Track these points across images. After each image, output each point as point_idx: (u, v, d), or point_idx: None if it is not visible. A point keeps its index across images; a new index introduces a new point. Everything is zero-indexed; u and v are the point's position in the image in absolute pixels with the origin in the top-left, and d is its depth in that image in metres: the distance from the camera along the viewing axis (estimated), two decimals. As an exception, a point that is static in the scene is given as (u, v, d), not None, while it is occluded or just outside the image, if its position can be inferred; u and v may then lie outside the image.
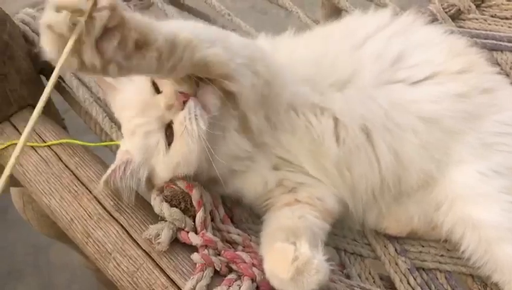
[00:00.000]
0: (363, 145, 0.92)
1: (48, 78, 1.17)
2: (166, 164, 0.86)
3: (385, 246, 1.02)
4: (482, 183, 0.92)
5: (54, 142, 1.01)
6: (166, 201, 0.88)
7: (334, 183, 0.94)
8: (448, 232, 0.96)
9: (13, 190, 1.35)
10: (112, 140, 1.04)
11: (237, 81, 0.80)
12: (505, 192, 0.92)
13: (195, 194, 0.88)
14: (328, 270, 0.76)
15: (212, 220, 0.90)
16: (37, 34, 1.12)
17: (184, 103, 0.82)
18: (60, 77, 1.11)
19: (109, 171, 0.87)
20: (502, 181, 0.92)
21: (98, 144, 1.03)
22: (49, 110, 1.19)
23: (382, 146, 0.92)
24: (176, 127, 0.83)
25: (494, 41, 1.31)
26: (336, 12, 1.64)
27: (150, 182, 0.90)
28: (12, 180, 1.08)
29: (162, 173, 0.88)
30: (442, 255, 1.01)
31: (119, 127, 1.03)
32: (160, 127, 0.85)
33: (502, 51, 1.29)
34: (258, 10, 2.06)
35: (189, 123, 0.80)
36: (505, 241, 0.90)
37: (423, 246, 1.03)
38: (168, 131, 0.85)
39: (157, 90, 0.85)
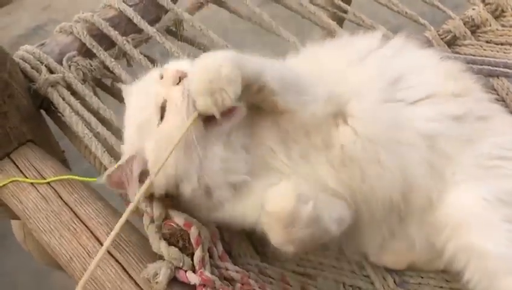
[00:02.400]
0: (374, 159, 0.91)
1: (47, 112, 1.19)
2: (155, 144, 0.86)
3: (384, 278, 1.02)
4: (485, 210, 0.90)
5: (53, 178, 1.01)
6: (164, 239, 0.88)
7: (351, 195, 0.92)
8: (450, 259, 0.93)
9: (14, 221, 1.36)
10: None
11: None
12: (509, 221, 0.89)
13: (193, 232, 0.88)
14: None
15: (211, 257, 0.91)
16: (37, 70, 1.14)
17: (180, 79, 0.86)
18: (59, 112, 1.12)
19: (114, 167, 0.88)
20: (505, 209, 0.90)
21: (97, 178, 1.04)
22: (49, 144, 1.21)
23: (389, 162, 0.91)
24: (169, 105, 0.86)
25: (490, 67, 1.32)
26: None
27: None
28: (12, 214, 1.09)
29: (153, 158, 0.87)
30: (441, 287, 1.01)
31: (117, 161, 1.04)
32: (154, 106, 0.87)
33: (497, 76, 1.30)
34: (258, 31, 2.08)
35: (181, 100, 0.84)
36: None
37: (422, 277, 1.03)
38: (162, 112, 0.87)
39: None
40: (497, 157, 0.94)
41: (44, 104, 1.16)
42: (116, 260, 0.90)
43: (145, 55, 1.26)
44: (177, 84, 0.87)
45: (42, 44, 1.19)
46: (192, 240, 0.88)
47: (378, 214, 0.94)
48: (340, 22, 1.78)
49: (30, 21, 3.19)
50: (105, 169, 1.05)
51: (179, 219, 0.90)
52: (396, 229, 0.98)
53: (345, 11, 1.49)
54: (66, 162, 1.27)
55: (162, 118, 0.87)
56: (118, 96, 1.27)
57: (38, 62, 1.14)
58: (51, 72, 1.14)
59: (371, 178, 0.91)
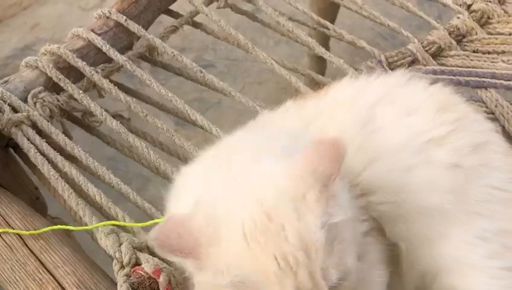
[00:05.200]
0: None
1: (15, 151, 1.14)
2: None
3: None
4: (467, 252, 0.86)
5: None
6: (133, 289, 0.83)
7: None
8: None
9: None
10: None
11: None
12: (492, 257, 0.86)
13: (162, 281, 0.83)
14: None
15: (184, 305, 0.86)
16: (4, 101, 1.09)
17: None
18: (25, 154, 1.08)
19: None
20: (488, 247, 0.86)
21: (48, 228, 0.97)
22: (19, 183, 1.16)
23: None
24: None
25: (477, 78, 1.26)
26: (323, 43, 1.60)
27: None
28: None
29: None
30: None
31: (85, 202, 1.00)
32: None
33: (486, 88, 1.25)
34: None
35: None
36: None
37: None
38: None
39: None
40: (484, 201, 0.88)
41: (11, 142, 1.11)
42: (84, 313, 0.85)
43: (116, 84, 1.22)
44: None
45: (6, 81, 1.14)
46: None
47: None
48: (327, 38, 1.74)
49: (18, 41, 3.14)
50: (74, 212, 1.01)
51: (147, 266, 0.85)
52: None
53: (327, 28, 1.44)
54: (40, 200, 1.22)
55: None
56: (90, 129, 1.23)
57: (1, 101, 1.09)
58: (15, 110, 1.09)
59: None
